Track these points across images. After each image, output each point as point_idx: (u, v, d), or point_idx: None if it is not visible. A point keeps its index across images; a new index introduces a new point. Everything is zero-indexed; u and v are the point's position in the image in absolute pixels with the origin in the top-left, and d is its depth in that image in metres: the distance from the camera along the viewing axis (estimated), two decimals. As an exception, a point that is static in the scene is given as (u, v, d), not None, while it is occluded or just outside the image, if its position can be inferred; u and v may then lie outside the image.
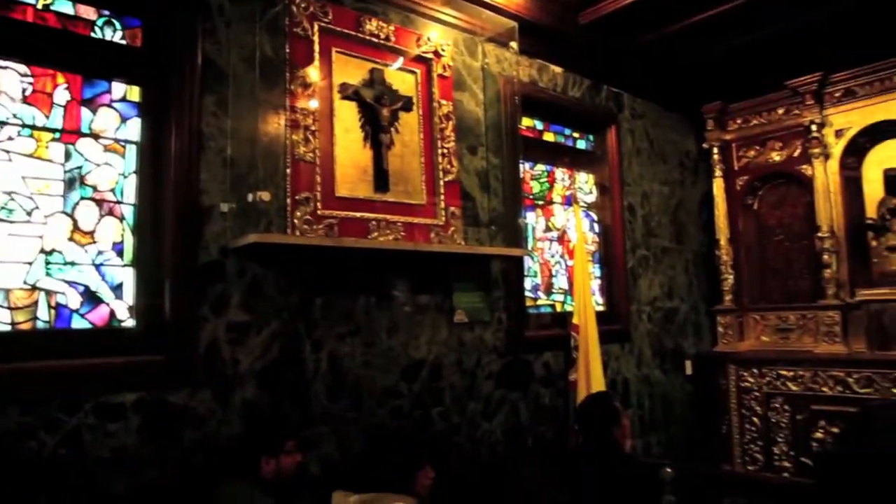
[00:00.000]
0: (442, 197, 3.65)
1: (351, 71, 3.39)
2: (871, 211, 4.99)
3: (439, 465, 2.53)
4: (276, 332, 3.01)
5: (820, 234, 5.06)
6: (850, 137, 5.04)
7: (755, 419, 5.17)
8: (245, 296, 2.92)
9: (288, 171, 3.05)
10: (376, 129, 3.43)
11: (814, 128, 5.11)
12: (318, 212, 3.10)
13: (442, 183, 3.66)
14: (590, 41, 4.78)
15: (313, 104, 3.16)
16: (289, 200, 3.03)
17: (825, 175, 5.08)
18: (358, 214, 3.26)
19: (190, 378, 2.72)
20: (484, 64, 4.16)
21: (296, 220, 3.01)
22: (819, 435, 4.77)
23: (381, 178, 3.42)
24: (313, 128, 3.14)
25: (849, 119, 5.04)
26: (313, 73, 3.18)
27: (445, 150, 3.71)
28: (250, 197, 2.91)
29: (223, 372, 2.82)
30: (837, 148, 5.08)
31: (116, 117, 2.82)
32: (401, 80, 3.61)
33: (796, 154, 5.33)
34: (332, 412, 3.16)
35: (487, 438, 3.87)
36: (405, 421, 3.44)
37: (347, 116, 3.35)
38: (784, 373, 5.04)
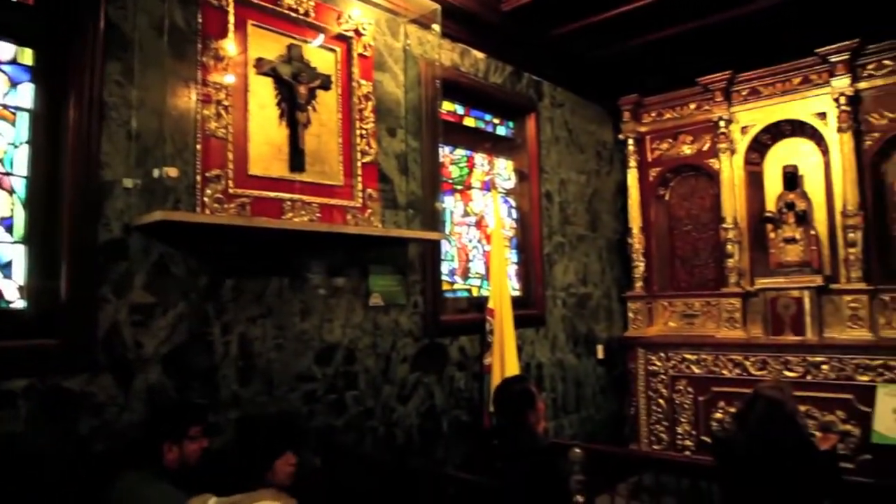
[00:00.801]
0: (359, 178, 3.59)
1: (268, 46, 3.27)
2: (770, 204, 5.28)
3: (311, 451, 2.41)
4: (184, 314, 2.90)
5: (724, 226, 5.32)
6: (753, 134, 5.30)
7: (661, 401, 5.39)
8: (150, 276, 2.79)
9: (198, 146, 2.92)
10: (293, 107, 3.33)
11: (722, 124, 5.35)
12: (230, 190, 2.99)
13: (360, 164, 3.61)
14: (512, 28, 4.81)
15: (227, 79, 3.03)
16: (199, 178, 2.91)
17: (731, 169, 5.33)
18: (272, 194, 3.17)
19: (88, 363, 2.58)
20: (406, 45, 4.12)
21: (206, 199, 2.89)
22: (719, 415, 5.03)
23: (296, 158, 3.33)
24: (226, 103, 3.01)
25: (753, 117, 5.30)
26: (227, 45, 3.05)
27: (364, 131, 3.65)
28: (156, 172, 2.77)
29: (125, 356, 2.69)
30: (742, 144, 5.33)
31: (5, 81, 2.62)
32: (320, 57, 3.52)
33: (705, 148, 5.56)
34: (243, 397, 3.08)
35: (402, 422, 3.87)
36: (318, 405, 3.40)
37: (263, 92, 3.24)
38: (688, 356, 5.27)
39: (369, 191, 3.64)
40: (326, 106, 3.53)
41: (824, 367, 4.63)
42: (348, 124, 3.61)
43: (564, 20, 4.89)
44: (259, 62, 3.22)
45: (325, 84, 3.52)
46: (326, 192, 3.44)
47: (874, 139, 4.78)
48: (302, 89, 3.37)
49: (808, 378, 4.67)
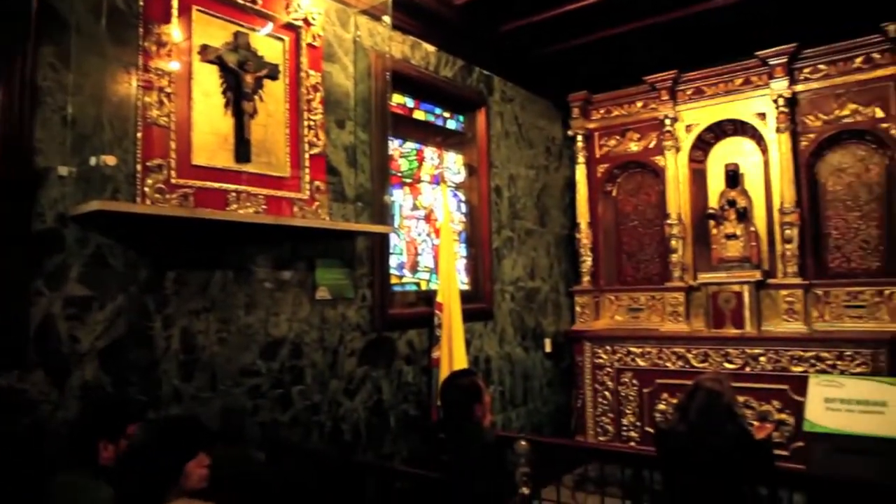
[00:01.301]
0: (307, 170, 3.54)
1: (213, 33, 3.19)
2: (713, 201, 5.43)
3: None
4: (122, 307, 2.80)
5: (669, 221, 5.45)
6: (697, 133, 5.44)
7: (607, 393, 5.49)
8: (86, 268, 2.69)
9: (139, 135, 2.83)
10: (239, 96, 3.26)
11: (667, 122, 5.47)
12: (172, 180, 2.91)
13: (307, 156, 3.55)
14: (464, 22, 4.80)
15: (170, 65, 2.94)
16: (139, 167, 2.82)
17: (676, 166, 5.46)
18: (216, 185, 3.09)
19: (19, 358, 2.47)
20: (356, 36, 4.07)
21: (146, 189, 2.80)
22: (662, 406, 5.15)
23: (242, 148, 3.26)
24: (169, 90, 2.93)
25: (697, 116, 5.43)
26: (170, 31, 2.96)
27: (312, 123, 3.60)
28: (94, 160, 2.68)
29: (59, 351, 2.59)
30: (687, 142, 5.47)
31: (-69, 63, 2.48)
32: (267, 46, 3.45)
33: (652, 145, 5.68)
34: (184, 392, 3.01)
35: (350, 416, 3.84)
36: (263, 400, 3.34)
37: (208, 80, 3.15)
38: (634, 349, 5.38)
39: (317, 183, 3.59)
40: (274, 96, 3.46)
41: (762, 358, 4.79)
42: (296, 115, 3.55)
43: (516, 15, 4.90)
44: (204, 49, 3.13)
45: (273, 74, 3.45)
46: (273, 184, 3.38)
47: (810, 140, 4.96)
48: (248, 78, 3.29)
49: (747, 370, 4.82)
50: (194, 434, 2.22)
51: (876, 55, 4.69)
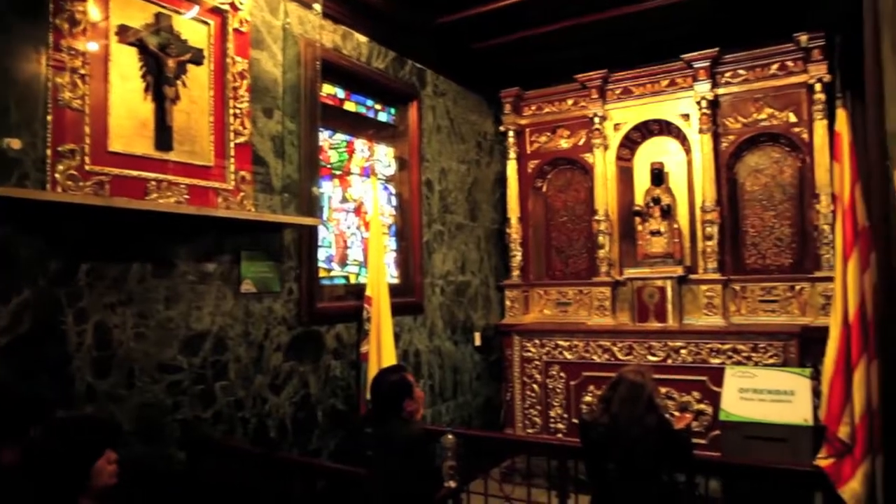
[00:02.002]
0: (232, 160, 3.43)
1: (133, 13, 3.04)
2: (639, 199, 5.58)
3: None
4: (30, 300, 2.65)
5: (597, 218, 5.57)
6: (625, 132, 5.58)
7: (535, 386, 5.56)
8: (-11, 259, 2.53)
9: (49, 118, 2.67)
10: (160, 81, 3.13)
11: (596, 120, 5.58)
12: (86, 167, 2.77)
13: (233, 145, 3.45)
14: (397, 14, 4.76)
15: (85, 45, 2.79)
16: (49, 152, 2.66)
17: (604, 164, 5.58)
18: (134, 173, 2.96)
19: (-88, 354, 2.31)
20: (285, 24, 3.97)
21: (57, 175, 2.65)
22: (588, 399, 5.26)
23: (163, 135, 3.13)
24: (83, 71, 2.78)
25: (625, 115, 5.57)
26: (85, 8, 2.80)
27: (238, 111, 3.49)
28: (-3, 144, 2.51)
29: (-42, 346, 2.43)
30: (615, 140, 5.59)
31: None
32: (191, 29, 3.32)
33: (581, 143, 5.79)
34: (99, 390, 2.87)
35: (275, 412, 3.76)
36: (184, 397, 3.23)
37: (126, 63, 3.01)
38: (561, 343, 5.46)
39: (242, 173, 3.49)
40: (198, 82, 3.34)
41: (683, 351, 4.95)
42: (221, 102, 3.43)
43: (450, 9, 4.90)
44: (122, 30, 2.99)
45: (197, 58, 3.33)
46: (196, 173, 3.27)
47: (730, 141, 5.16)
48: (171, 62, 3.17)
49: (669, 362, 4.98)
50: (98, 433, 2.11)
51: (790, 63, 4.92)
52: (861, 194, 2.80)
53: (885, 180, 2.43)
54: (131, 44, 3.02)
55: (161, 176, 3.07)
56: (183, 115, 3.24)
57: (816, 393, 3.75)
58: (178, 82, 3.22)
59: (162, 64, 3.13)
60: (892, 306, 2.46)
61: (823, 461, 2.85)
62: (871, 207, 2.67)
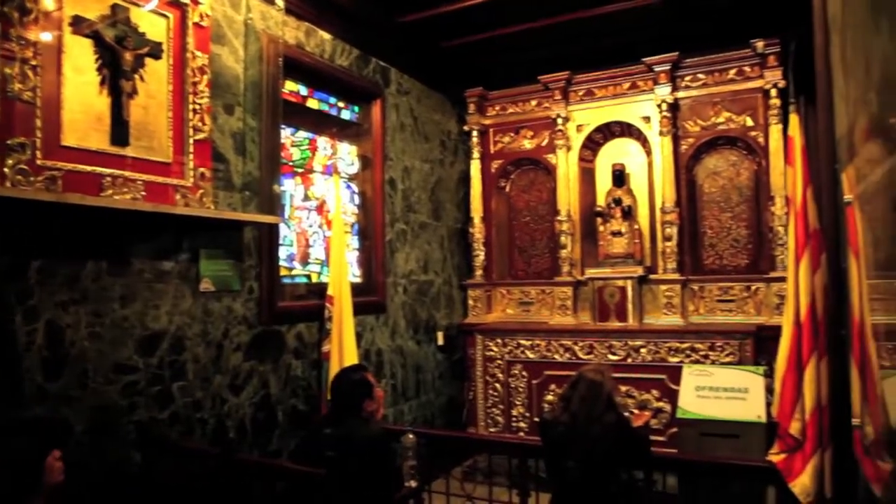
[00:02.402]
0: (191, 156, 3.37)
1: (88, 4, 2.96)
2: (601, 199, 5.65)
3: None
4: (-24, 298, 2.57)
5: (559, 218, 5.62)
6: (587, 133, 5.64)
7: (497, 385, 5.59)
8: (-67, 255, 2.45)
9: (-2, 110, 2.59)
10: (116, 74, 3.05)
11: (559, 121, 5.63)
12: (38, 161, 2.68)
13: (192, 141, 3.38)
14: (361, 11, 4.74)
15: (36, 35, 2.71)
16: (-2, 146, 2.58)
17: (566, 165, 5.63)
18: (89, 168, 2.88)
19: None
20: (247, 19, 3.92)
21: (6, 170, 2.56)
22: (550, 398, 5.30)
23: (119, 130, 3.05)
24: (34, 62, 2.69)
25: (588, 116, 5.63)
26: (37, -2, 2.72)
27: (198, 106, 3.43)
28: (-59, 137, 2.43)
29: None
30: (577, 141, 5.65)
31: None
32: (150, 22, 3.24)
33: (544, 143, 5.84)
34: (50, 391, 2.79)
35: (234, 413, 3.71)
36: (140, 398, 3.16)
37: (81, 55, 2.93)
38: (524, 342, 5.50)
39: (202, 170, 3.42)
40: (156, 76, 3.27)
41: (643, 350, 5.03)
42: (180, 98, 3.37)
43: (414, 7, 4.89)
44: (77, 21, 2.90)
45: (155, 52, 3.25)
46: (153, 169, 3.19)
47: (689, 144, 5.26)
48: (127, 56, 3.09)
49: (629, 361, 5.05)
50: (44, 432, 2.08)
51: (747, 68, 5.04)
52: (812, 197, 2.88)
53: (834, 184, 2.50)
54: (86, 35, 2.94)
55: (117, 172, 3.00)
56: (140, 110, 3.17)
57: (770, 390, 3.84)
58: (136, 76, 3.14)
59: (118, 57, 3.05)
60: (840, 306, 2.53)
61: (776, 456, 2.93)
62: (822, 210, 2.75)
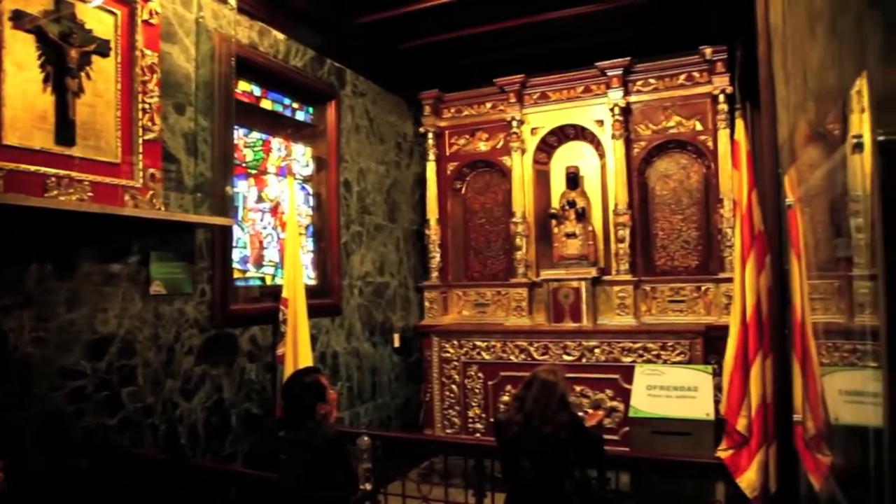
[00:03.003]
0: (140, 157, 3.30)
1: (30, -1, 2.88)
2: (555, 202, 5.71)
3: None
4: (-88, 303, 2.47)
5: (514, 220, 5.67)
6: (542, 136, 5.70)
7: (454, 386, 5.61)
8: None
9: (-65, 108, 2.50)
10: (61, 72, 2.97)
11: (514, 124, 5.68)
12: (-23, 161, 2.60)
13: (141, 141, 3.31)
14: (316, 12, 4.71)
15: (-25, 31, 2.62)
16: (-65, 144, 2.49)
17: (521, 167, 5.69)
18: (32, 168, 2.80)
19: None
20: (199, 17, 3.85)
21: (-56, 169, 2.48)
22: (506, 398, 5.34)
23: (65, 129, 2.97)
24: (-27, 59, 2.61)
25: (542, 119, 5.70)
26: (-25, -8, 2.63)
27: (147, 106, 3.35)
28: None
29: None
30: (532, 144, 5.71)
31: None
32: (96, 19, 3.17)
33: (499, 146, 5.88)
34: (-9, 398, 2.70)
35: (186, 418, 3.64)
36: (87, 403, 3.08)
37: (22, 51, 2.84)
38: (479, 343, 5.53)
39: (152, 171, 3.35)
40: (103, 74, 3.19)
41: (597, 350, 5.10)
42: (129, 97, 3.29)
43: (369, 9, 4.88)
44: (18, 16, 2.81)
45: (102, 50, 3.18)
46: (101, 170, 3.12)
47: (641, 147, 5.37)
48: (73, 53, 3.01)
49: (584, 361, 5.12)
50: None
51: (696, 74, 5.17)
52: (757, 200, 2.97)
53: (777, 187, 2.58)
54: (28, 31, 2.86)
55: (63, 172, 2.92)
56: (87, 109, 3.09)
57: (718, 388, 3.94)
58: (82, 74, 3.06)
59: (63, 54, 2.97)
60: (783, 306, 2.61)
61: (724, 453, 3.00)
62: (766, 213, 2.83)
